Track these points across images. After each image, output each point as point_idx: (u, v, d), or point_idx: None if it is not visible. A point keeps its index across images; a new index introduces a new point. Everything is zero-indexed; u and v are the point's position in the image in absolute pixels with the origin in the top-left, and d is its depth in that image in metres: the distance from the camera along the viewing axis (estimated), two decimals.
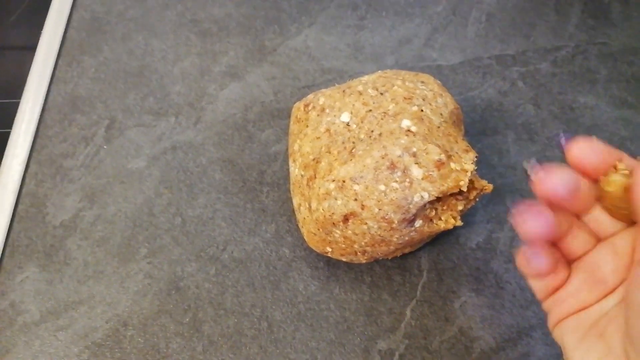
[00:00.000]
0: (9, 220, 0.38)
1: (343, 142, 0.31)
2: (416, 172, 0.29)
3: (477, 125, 0.41)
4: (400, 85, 0.33)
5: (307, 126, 0.34)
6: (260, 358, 0.33)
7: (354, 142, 0.31)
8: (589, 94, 0.42)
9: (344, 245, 0.32)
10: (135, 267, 0.37)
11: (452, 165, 0.30)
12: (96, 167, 0.40)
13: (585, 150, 0.22)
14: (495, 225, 0.37)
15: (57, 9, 0.48)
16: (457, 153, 0.31)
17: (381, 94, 0.33)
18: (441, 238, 0.37)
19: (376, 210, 0.29)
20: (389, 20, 0.46)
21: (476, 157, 0.31)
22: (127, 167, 0.40)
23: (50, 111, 0.43)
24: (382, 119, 0.31)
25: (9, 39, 0.48)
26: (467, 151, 0.31)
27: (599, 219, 0.25)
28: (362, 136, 0.31)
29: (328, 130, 0.32)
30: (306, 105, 0.34)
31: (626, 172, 0.22)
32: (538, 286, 0.26)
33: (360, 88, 0.33)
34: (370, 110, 0.32)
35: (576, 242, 0.25)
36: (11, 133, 0.42)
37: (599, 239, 0.25)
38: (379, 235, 0.30)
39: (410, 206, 0.29)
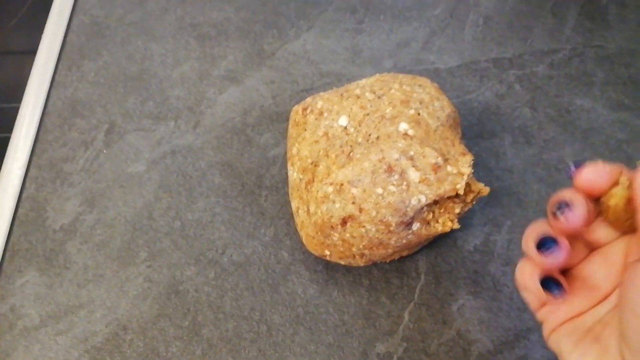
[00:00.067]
0: (9, 224, 0.39)
1: (341, 146, 0.32)
2: (413, 175, 0.29)
3: (474, 128, 0.41)
4: (397, 89, 0.33)
5: (306, 130, 0.34)
6: None
7: (351, 146, 0.31)
8: (586, 96, 0.43)
9: (342, 249, 0.32)
10: (134, 270, 0.37)
11: (449, 168, 0.30)
12: (96, 171, 0.41)
13: (593, 175, 0.23)
14: (493, 228, 0.37)
15: (57, 13, 0.48)
16: (454, 156, 0.31)
17: (379, 97, 0.33)
18: (439, 241, 0.37)
19: (374, 213, 0.29)
20: (386, 24, 0.47)
21: (473, 160, 0.31)
22: (127, 171, 0.41)
23: (50, 115, 0.43)
24: (379, 122, 0.31)
25: (9, 44, 0.48)
26: (464, 154, 0.31)
27: (594, 230, 0.25)
28: (359, 140, 0.31)
29: (326, 133, 0.33)
30: (304, 109, 0.35)
31: (627, 184, 0.22)
32: (531, 297, 0.26)
33: (358, 91, 0.34)
34: (368, 114, 0.32)
35: (572, 254, 0.26)
36: (11, 137, 0.42)
37: (591, 249, 0.26)
38: (377, 238, 0.31)
39: (408, 209, 0.29)
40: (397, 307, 0.35)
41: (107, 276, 0.37)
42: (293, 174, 0.34)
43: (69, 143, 0.42)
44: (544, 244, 0.23)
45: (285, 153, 0.41)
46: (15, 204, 0.39)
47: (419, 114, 0.32)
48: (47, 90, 0.44)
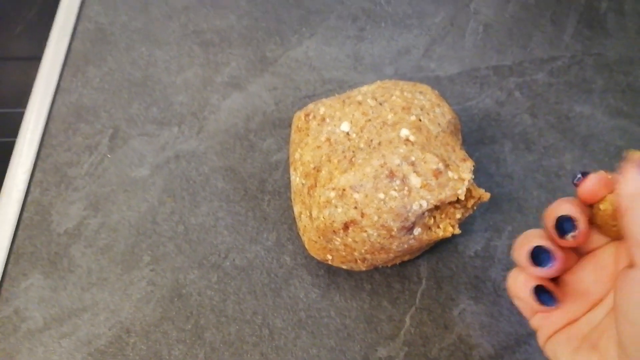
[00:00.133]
0: (14, 227, 0.39)
1: (343, 151, 0.32)
2: (415, 180, 0.30)
3: (474, 135, 0.42)
4: (398, 96, 0.34)
5: (308, 135, 0.34)
6: None
7: (353, 151, 0.32)
8: (585, 103, 0.43)
9: (344, 253, 0.33)
10: (138, 274, 0.37)
11: (450, 174, 0.30)
12: (100, 175, 0.41)
13: (597, 185, 0.23)
14: (493, 234, 0.38)
15: (62, 20, 0.49)
16: (454, 162, 0.31)
17: (380, 104, 0.33)
18: (440, 246, 0.37)
19: (376, 218, 0.30)
20: (388, 32, 0.47)
21: (474, 166, 0.31)
22: (131, 176, 0.41)
23: (55, 120, 0.44)
24: (381, 128, 0.32)
25: (15, 50, 0.49)
26: (464, 160, 0.32)
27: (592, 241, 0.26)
28: (361, 145, 0.32)
29: (328, 139, 0.33)
30: (307, 115, 0.35)
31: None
32: (523, 305, 0.27)
33: (359, 98, 0.34)
34: (370, 120, 0.32)
35: (564, 261, 0.26)
36: (16, 142, 0.43)
37: (581, 254, 0.26)
38: (379, 242, 0.31)
39: (409, 214, 0.30)
40: (398, 312, 0.35)
41: (110, 280, 0.37)
42: (295, 179, 0.35)
43: (73, 148, 0.42)
44: (538, 255, 0.24)
45: (288, 158, 0.41)
46: (20, 207, 0.40)
47: (420, 120, 0.32)
48: (52, 95, 0.45)
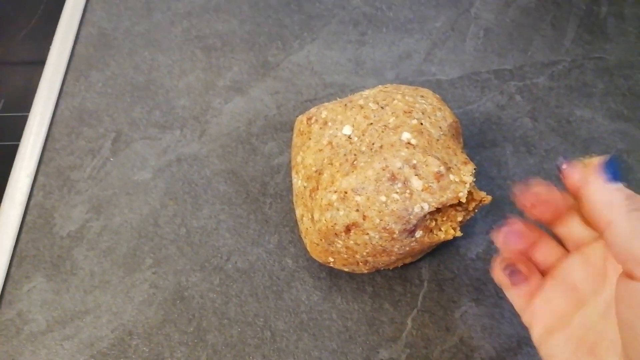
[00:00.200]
0: (17, 230, 0.39)
1: (345, 154, 0.32)
2: (416, 183, 0.30)
3: (475, 138, 0.42)
4: (400, 99, 0.34)
5: (310, 139, 0.34)
6: None
7: (355, 154, 0.32)
8: (586, 107, 0.43)
9: (346, 256, 0.33)
10: (140, 277, 0.37)
11: (451, 177, 0.30)
12: (103, 179, 0.41)
13: (579, 175, 0.24)
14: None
15: (65, 25, 0.49)
16: (456, 165, 0.31)
17: (382, 107, 0.33)
18: (441, 248, 0.37)
19: (377, 220, 0.30)
20: (389, 36, 0.48)
21: (475, 169, 0.31)
22: (133, 179, 0.41)
23: (58, 124, 0.44)
24: (382, 131, 0.32)
25: (18, 54, 0.49)
26: (466, 163, 0.32)
27: (572, 230, 0.26)
28: (363, 148, 0.32)
29: (330, 142, 0.33)
30: (309, 119, 0.35)
31: None
32: (515, 296, 0.27)
33: (361, 102, 0.34)
34: (371, 124, 0.33)
35: (548, 252, 0.27)
36: (20, 146, 0.43)
37: (569, 251, 0.26)
38: (380, 245, 0.31)
39: (411, 217, 0.30)
40: (400, 314, 0.35)
41: (113, 282, 0.37)
42: (297, 182, 0.35)
43: (76, 151, 0.43)
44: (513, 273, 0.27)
45: (290, 161, 0.41)
46: (23, 211, 0.40)
47: (421, 124, 0.33)
48: (56, 99, 0.45)
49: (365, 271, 0.35)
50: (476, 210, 0.33)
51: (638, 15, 0.48)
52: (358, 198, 0.30)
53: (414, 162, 0.30)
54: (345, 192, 0.31)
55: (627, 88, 0.44)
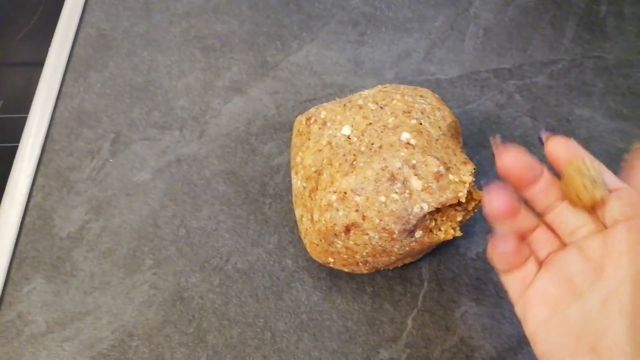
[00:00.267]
0: (17, 232, 0.39)
1: (344, 155, 0.32)
2: (415, 183, 0.30)
3: (475, 137, 0.42)
4: (399, 99, 0.34)
5: (309, 139, 0.34)
6: None
7: (354, 155, 0.32)
8: (585, 106, 0.43)
9: (345, 256, 0.33)
10: (140, 278, 0.37)
11: (451, 177, 0.30)
12: (102, 180, 0.41)
13: (561, 146, 0.26)
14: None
15: (64, 26, 0.49)
16: (455, 165, 0.31)
17: (381, 107, 0.33)
18: (441, 248, 0.37)
19: (377, 221, 0.30)
20: (388, 36, 0.48)
21: (474, 169, 0.31)
22: (133, 180, 0.41)
23: (57, 125, 0.44)
24: (382, 132, 0.32)
25: (17, 55, 0.49)
26: (465, 163, 0.32)
27: (566, 221, 0.26)
28: (362, 149, 0.32)
29: (329, 143, 0.33)
30: (308, 119, 0.35)
31: (583, 162, 0.25)
32: (510, 282, 0.27)
33: (360, 102, 0.34)
34: (371, 124, 0.33)
35: (543, 240, 0.27)
36: (19, 147, 0.43)
37: (565, 244, 0.27)
38: (380, 245, 0.31)
39: (410, 217, 0.30)
40: (400, 314, 0.35)
41: (113, 283, 0.37)
42: (297, 182, 0.35)
43: (75, 152, 0.43)
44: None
45: (289, 162, 0.41)
46: (22, 212, 0.40)
47: (420, 123, 0.33)
48: (55, 100, 0.45)
49: (365, 271, 0.35)
50: (476, 210, 0.33)
51: (637, 14, 0.48)
52: (357, 198, 0.30)
53: (414, 162, 0.30)
54: (345, 193, 0.31)
55: (626, 87, 0.44)
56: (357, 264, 0.33)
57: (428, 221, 0.31)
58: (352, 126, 0.33)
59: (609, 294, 0.23)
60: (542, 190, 0.27)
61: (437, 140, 0.32)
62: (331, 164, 0.32)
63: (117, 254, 0.38)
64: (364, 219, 0.30)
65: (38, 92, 0.46)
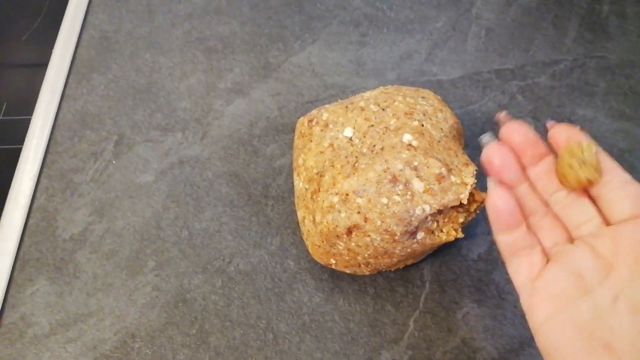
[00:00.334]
0: (20, 234, 0.39)
1: (346, 157, 0.32)
2: (417, 185, 0.30)
3: (477, 138, 0.42)
4: (401, 101, 0.34)
5: (311, 141, 0.34)
6: None
7: (356, 157, 0.32)
8: (588, 106, 0.43)
9: (347, 257, 0.33)
10: (143, 279, 0.37)
11: (453, 178, 0.30)
12: (105, 181, 0.41)
13: (563, 131, 0.27)
14: None
15: (67, 28, 0.49)
16: (457, 167, 0.31)
17: (383, 109, 0.33)
18: (443, 250, 0.37)
19: (379, 222, 0.30)
20: (390, 37, 0.48)
21: (476, 170, 0.31)
22: (136, 182, 0.41)
23: (61, 127, 0.44)
24: (383, 133, 0.32)
25: (21, 57, 0.50)
26: (467, 165, 0.32)
27: (572, 213, 0.27)
28: (364, 150, 0.32)
29: (331, 144, 0.33)
30: (310, 121, 0.35)
31: (579, 145, 0.26)
32: (516, 271, 0.27)
33: (362, 104, 0.34)
34: (372, 125, 0.33)
35: (547, 228, 0.27)
36: (22, 149, 0.43)
37: (571, 236, 0.27)
38: (382, 247, 0.31)
39: (412, 219, 0.30)
40: (402, 315, 0.35)
41: (116, 285, 0.37)
42: (299, 184, 0.35)
43: (78, 154, 0.43)
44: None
45: (291, 163, 0.41)
46: (26, 214, 0.40)
47: (422, 125, 0.33)
48: (58, 102, 0.45)
49: (367, 273, 0.35)
50: (478, 211, 0.33)
51: None
52: (359, 200, 0.30)
53: (415, 163, 0.30)
54: (347, 194, 0.31)
55: (628, 87, 0.44)
56: (359, 265, 0.33)
57: (430, 223, 0.31)
58: (354, 128, 0.33)
59: (619, 292, 0.23)
60: (546, 172, 0.27)
61: (439, 141, 0.32)
62: (333, 166, 0.32)
63: (119, 256, 0.38)
64: (365, 221, 0.30)
65: (41, 94, 0.46)
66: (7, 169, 0.42)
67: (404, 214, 0.30)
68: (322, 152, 0.33)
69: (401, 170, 0.30)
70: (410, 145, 0.31)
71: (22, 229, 0.39)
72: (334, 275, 0.37)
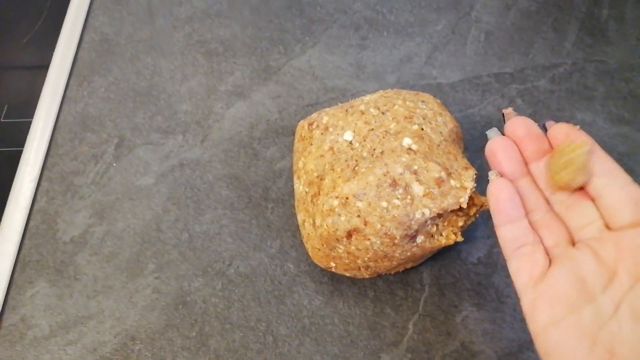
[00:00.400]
0: (21, 236, 0.39)
1: (346, 160, 0.32)
2: (417, 189, 0.30)
3: (477, 142, 0.42)
4: (401, 105, 0.34)
5: (311, 144, 0.35)
6: None
7: (356, 160, 0.32)
8: (587, 110, 0.43)
9: (347, 261, 0.33)
10: (143, 282, 0.37)
11: (452, 182, 0.31)
12: (106, 184, 0.41)
13: (562, 130, 0.28)
14: (496, 241, 0.38)
15: (68, 30, 0.49)
16: (457, 170, 0.31)
17: (383, 113, 0.34)
18: (443, 253, 0.37)
19: (379, 226, 0.30)
20: (390, 40, 0.48)
21: (476, 174, 0.31)
22: (136, 184, 0.41)
23: (61, 130, 0.44)
24: (383, 137, 0.32)
25: (22, 59, 0.50)
26: (466, 169, 0.32)
27: (574, 216, 0.27)
28: (364, 154, 0.32)
29: (331, 148, 0.33)
30: (310, 124, 0.35)
31: (572, 143, 0.27)
32: (518, 271, 0.27)
33: (362, 107, 0.34)
34: (372, 129, 0.33)
35: (547, 226, 0.27)
36: (23, 151, 0.43)
37: (573, 237, 0.27)
38: (382, 250, 0.31)
39: (412, 222, 0.30)
40: (401, 318, 0.35)
41: (116, 287, 0.37)
42: (299, 187, 0.35)
43: (79, 157, 0.43)
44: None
45: (291, 166, 0.41)
46: (26, 216, 0.40)
47: (422, 129, 0.33)
48: (59, 105, 0.45)
49: (367, 276, 0.35)
50: (477, 215, 0.33)
51: (639, 18, 0.48)
52: (359, 204, 0.30)
53: (415, 167, 0.30)
54: (347, 198, 0.31)
55: (628, 91, 0.44)
56: (359, 268, 0.33)
57: (429, 226, 0.32)
58: (354, 132, 0.33)
59: (621, 299, 0.23)
60: None
61: (438, 145, 0.32)
62: (333, 169, 0.32)
63: (120, 258, 0.38)
64: (365, 225, 0.30)
65: (42, 96, 0.46)
66: (8, 171, 0.43)
67: (404, 217, 0.30)
68: (322, 156, 0.34)
69: (401, 174, 0.30)
70: (410, 149, 0.31)
71: (22, 231, 0.40)
72: (334, 279, 0.37)
